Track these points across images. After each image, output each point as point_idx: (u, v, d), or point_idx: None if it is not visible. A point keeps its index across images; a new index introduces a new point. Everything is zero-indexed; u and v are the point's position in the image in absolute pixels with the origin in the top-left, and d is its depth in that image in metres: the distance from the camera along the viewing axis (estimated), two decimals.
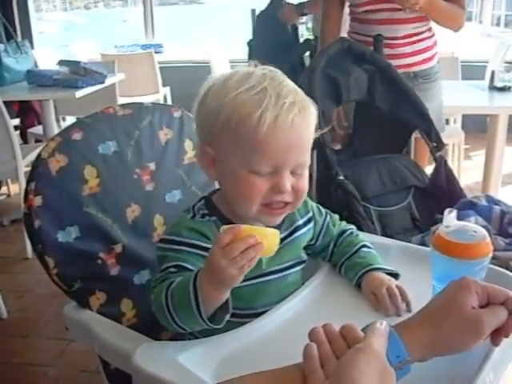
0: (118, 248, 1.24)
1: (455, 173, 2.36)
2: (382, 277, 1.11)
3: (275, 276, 1.11)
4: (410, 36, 2.40)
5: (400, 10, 2.28)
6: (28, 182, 1.14)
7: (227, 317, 0.95)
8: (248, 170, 0.98)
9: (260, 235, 0.87)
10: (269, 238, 0.89)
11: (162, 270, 1.02)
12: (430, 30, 2.45)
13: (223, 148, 1.01)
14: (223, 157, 1.02)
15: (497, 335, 0.82)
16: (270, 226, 1.00)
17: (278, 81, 1.00)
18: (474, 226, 0.98)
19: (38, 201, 1.13)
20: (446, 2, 2.33)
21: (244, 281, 1.04)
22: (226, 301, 0.93)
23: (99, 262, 1.21)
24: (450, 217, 0.97)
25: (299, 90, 1.03)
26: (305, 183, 1.03)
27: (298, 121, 0.97)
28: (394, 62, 2.26)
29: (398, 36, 2.39)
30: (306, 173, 1.03)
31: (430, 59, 2.47)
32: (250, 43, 3.55)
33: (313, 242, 1.21)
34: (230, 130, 0.98)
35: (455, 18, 2.39)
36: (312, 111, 1.01)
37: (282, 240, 1.11)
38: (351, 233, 1.25)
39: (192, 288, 0.90)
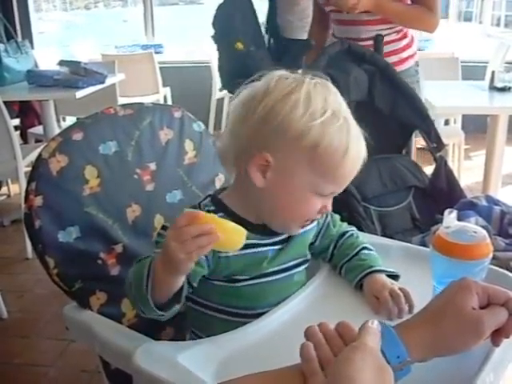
0: (119, 248, 1.24)
1: (455, 173, 2.36)
2: (384, 279, 1.11)
3: (281, 275, 1.11)
4: (373, 39, 2.29)
5: (362, 11, 2.23)
6: (28, 182, 1.15)
7: (176, 307, 0.95)
8: (311, 191, 1.01)
9: (220, 227, 0.85)
10: (229, 233, 0.87)
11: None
12: (398, 32, 2.33)
13: (292, 164, 0.99)
14: (287, 171, 1.00)
15: (497, 336, 0.82)
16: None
17: (344, 105, 1.03)
18: (474, 227, 0.98)
19: (38, 201, 1.13)
20: (404, 4, 2.26)
21: (249, 279, 1.06)
22: (181, 290, 0.94)
23: (99, 262, 1.21)
24: (450, 217, 0.97)
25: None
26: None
27: (361, 148, 1.02)
28: None
29: (362, 38, 2.31)
30: None
31: (399, 63, 2.33)
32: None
33: (313, 240, 1.21)
34: (312, 153, 0.97)
35: (417, 19, 2.28)
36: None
37: (288, 238, 1.12)
38: (352, 234, 1.25)
39: (147, 266, 0.92)
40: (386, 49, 2.28)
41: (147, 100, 4.77)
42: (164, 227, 1.07)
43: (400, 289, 1.07)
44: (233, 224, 0.89)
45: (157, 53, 5.42)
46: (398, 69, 2.28)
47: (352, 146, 0.98)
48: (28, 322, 2.64)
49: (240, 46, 2.47)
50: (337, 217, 1.27)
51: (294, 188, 1.01)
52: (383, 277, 1.12)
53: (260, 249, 1.07)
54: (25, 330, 2.56)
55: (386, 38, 2.28)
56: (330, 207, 1.05)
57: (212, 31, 2.68)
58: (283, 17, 3.05)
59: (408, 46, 2.38)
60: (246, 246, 1.01)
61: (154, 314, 0.96)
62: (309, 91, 0.98)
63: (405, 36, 2.35)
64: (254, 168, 1.01)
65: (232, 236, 0.88)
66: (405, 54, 2.36)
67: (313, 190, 1.01)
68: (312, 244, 1.21)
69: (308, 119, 0.96)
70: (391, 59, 2.27)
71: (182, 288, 0.95)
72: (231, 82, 2.67)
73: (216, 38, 2.68)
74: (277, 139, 0.98)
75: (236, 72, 2.54)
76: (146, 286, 0.91)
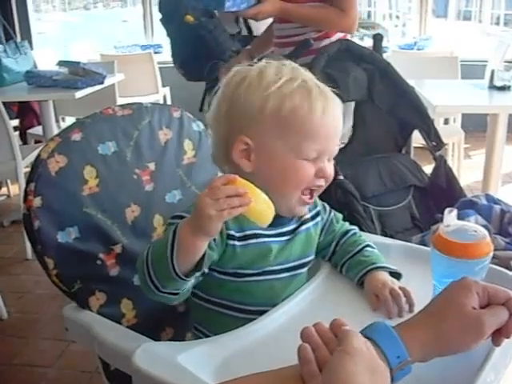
0: (118, 248, 1.23)
1: (455, 172, 2.36)
2: (385, 278, 1.11)
3: (285, 274, 1.12)
4: (293, 36, 2.25)
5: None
6: (27, 183, 1.14)
7: (198, 274, 0.95)
8: (296, 157, 1.02)
9: (253, 193, 0.87)
10: (261, 203, 0.89)
11: None
12: (319, 31, 2.24)
13: (267, 137, 1.03)
14: (266, 146, 1.03)
15: (498, 336, 0.82)
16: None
17: (309, 74, 1.07)
18: (474, 226, 0.98)
19: (37, 201, 1.13)
20: (313, 6, 2.19)
21: (254, 275, 1.06)
22: (203, 257, 0.93)
23: (99, 262, 1.20)
24: (450, 216, 0.97)
25: None
26: (333, 170, 1.08)
27: (338, 112, 1.05)
28: None
29: (283, 35, 2.30)
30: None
31: None
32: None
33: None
34: (278, 119, 1.01)
35: (327, 21, 2.19)
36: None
37: (294, 230, 1.13)
38: (354, 233, 1.25)
39: (171, 234, 0.91)
40: None
41: (146, 100, 4.75)
42: (174, 216, 1.05)
43: (400, 288, 1.07)
44: (265, 196, 0.91)
45: (156, 53, 5.42)
46: None
47: (318, 103, 1.01)
48: (28, 323, 2.63)
49: (190, 18, 2.39)
50: (339, 215, 1.27)
51: (279, 160, 1.03)
52: (385, 275, 1.12)
53: (264, 239, 1.08)
54: (24, 331, 2.56)
55: (308, 36, 2.22)
56: (328, 171, 1.05)
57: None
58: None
59: None
60: (250, 236, 1.01)
61: (172, 286, 0.94)
62: (260, 68, 1.05)
63: (326, 36, 2.25)
64: (237, 155, 1.04)
65: (263, 206, 0.90)
66: None
67: (297, 155, 1.02)
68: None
69: (263, 90, 1.01)
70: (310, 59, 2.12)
71: (203, 255, 0.94)
72: (188, 65, 2.64)
73: (164, 21, 2.60)
74: (246, 120, 1.03)
75: (191, 49, 2.52)
76: (172, 250, 0.90)
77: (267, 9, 2.12)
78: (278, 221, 1.08)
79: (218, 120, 1.08)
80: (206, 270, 1.01)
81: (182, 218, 1.00)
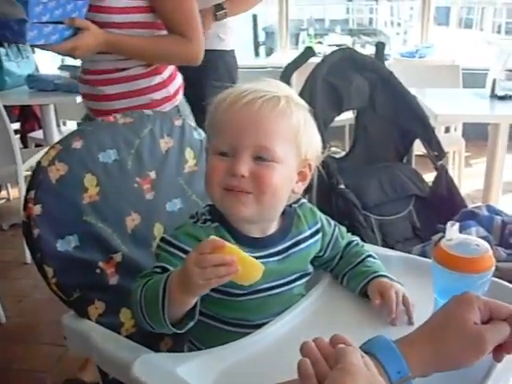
0: (118, 257, 1.23)
1: (456, 180, 2.36)
2: (390, 282, 1.10)
3: (280, 290, 1.10)
4: (112, 72, 1.77)
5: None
6: (27, 191, 1.14)
7: (191, 324, 0.96)
8: (213, 154, 1.03)
9: (240, 259, 0.87)
10: (248, 266, 0.89)
11: (152, 267, 1.04)
12: (146, 66, 1.78)
13: (208, 143, 1.10)
14: (208, 151, 1.08)
15: (499, 351, 0.82)
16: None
17: (268, 81, 1.06)
18: (477, 240, 0.98)
19: (37, 209, 1.12)
20: (148, 37, 1.73)
21: (249, 294, 1.05)
22: (194, 307, 0.95)
23: (98, 271, 1.20)
24: (452, 230, 0.97)
25: (289, 89, 1.08)
26: (271, 176, 1.00)
27: (259, 104, 0.99)
28: (94, 106, 1.83)
29: (98, 70, 1.78)
30: (280, 169, 1.01)
31: (148, 106, 1.73)
32: None
33: (321, 253, 1.19)
34: (207, 124, 1.08)
35: (167, 53, 1.77)
36: (285, 105, 1.02)
37: (288, 249, 1.11)
38: (357, 244, 1.24)
39: (162, 285, 0.93)
40: (130, 87, 1.77)
41: None
42: (163, 239, 1.07)
43: (404, 296, 1.07)
44: (252, 259, 0.90)
45: None
46: None
47: (234, 97, 1.01)
48: (26, 328, 2.63)
49: None
50: (343, 229, 1.25)
51: (207, 160, 1.08)
52: (389, 281, 1.11)
53: None
54: (23, 336, 2.56)
55: (130, 72, 1.76)
56: (237, 168, 0.98)
57: None
58: None
59: (162, 85, 1.81)
60: None
61: (166, 331, 0.97)
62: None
63: (157, 72, 1.80)
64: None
65: (251, 270, 0.90)
66: (157, 96, 1.80)
67: (212, 151, 1.04)
68: (320, 257, 1.20)
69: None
70: (139, 100, 1.77)
71: (195, 305, 0.95)
72: None
73: None
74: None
75: None
76: (163, 307, 0.92)
77: (88, 42, 1.63)
78: (267, 242, 1.08)
79: None
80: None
81: (169, 243, 1.04)
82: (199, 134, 1.42)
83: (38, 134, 4.02)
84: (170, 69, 1.84)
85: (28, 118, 4.24)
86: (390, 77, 2.12)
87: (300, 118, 1.04)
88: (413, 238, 1.99)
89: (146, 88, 1.77)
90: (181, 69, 1.95)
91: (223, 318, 1.07)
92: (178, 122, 1.39)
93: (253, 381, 0.76)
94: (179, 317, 0.96)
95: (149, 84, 1.78)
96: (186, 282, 0.89)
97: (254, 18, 7.82)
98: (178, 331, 0.96)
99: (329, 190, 1.89)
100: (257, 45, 7.92)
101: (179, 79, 1.90)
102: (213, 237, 0.91)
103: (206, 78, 2.43)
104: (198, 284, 0.87)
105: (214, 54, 2.58)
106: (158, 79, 1.79)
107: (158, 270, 1.02)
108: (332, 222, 1.22)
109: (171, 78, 1.84)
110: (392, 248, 1.48)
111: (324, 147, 1.13)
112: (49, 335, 2.54)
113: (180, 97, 1.89)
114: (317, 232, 1.17)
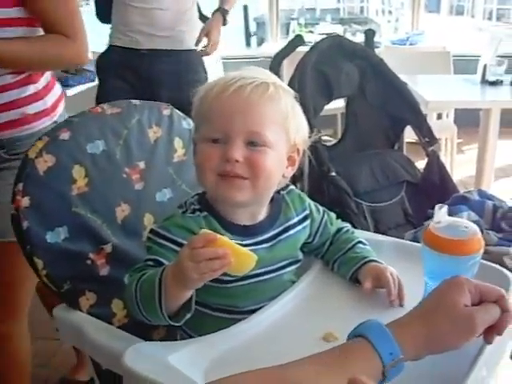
0: (108, 248, 1.22)
1: (448, 167, 2.36)
2: (383, 265, 1.11)
3: (270, 276, 1.10)
4: None
5: None
6: (15, 183, 1.13)
7: (188, 315, 0.97)
8: (204, 141, 1.03)
9: (233, 251, 0.88)
10: (241, 257, 0.90)
11: (144, 260, 1.04)
12: (16, 74, 1.48)
13: (195, 132, 1.11)
14: (194, 140, 1.10)
15: (490, 333, 0.82)
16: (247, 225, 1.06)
17: (253, 69, 1.06)
18: (465, 222, 0.98)
19: (25, 202, 1.12)
20: (27, 39, 1.46)
21: (238, 280, 1.05)
22: (190, 299, 0.95)
23: (89, 262, 1.19)
24: (440, 212, 0.97)
25: (274, 76, 1.09)
26: (264, 160, 1.01)
27: (249, 90, 1.00)
28: None
29: None
30: (272, 153, 1.02)
31: (18, 124, 1.50)
32: None
33: (310, 240, 1.20)
34: (195, 112, 1.08)
35: (47, 55, 1.48)
36: (274, 90, 1.03)
37: (276, 236, 1.11)
38: (347, 230, 1.25)
39: (158, 280, 0.93)
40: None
41: None
42: (152, 231, 1.07)
43: (397, 276, 1.09)
44: (245, 249, 0.91)
45: None
46: (20, 132, 1.51)
47: (223, 85, 1.02)
48: None
49: None
50: (333, 215, 1.26)
51: (196, 148, 1.08)
52: (380, 264, 1.12)
53: None
54: None
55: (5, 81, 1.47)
56: (231, 154, 0.99)
57: None
58: None
59: (37, 96, 1.55)
60: None
61: (163, 323, 0.97)
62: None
63: (30, 81, 1.52)
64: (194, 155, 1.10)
65: (243, 261, 0.91)
66: (31, 110, 1.53)
67: (202, 139, 1.04)
68: (309, 243, 1.21)
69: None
70: (6, 116, 1.48)
71: (191, 297, 0.96)
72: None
73: None
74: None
75: None
76: (160, 302, 0.93)
77: None
78: (256, 229, 1.09)
79: None
80: None
81: (159, 235, 1.05)
82: (188, 124, 1.41)
83: None
84: (47, 77, 1.59)
85: None
86: (379, 64, 2.12)
87: (288, 103, 1.05)
88: (405, 224, 1.99)
89: (17, 100, 1.50)
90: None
91: (213, 304, 1.08)
92: (166, 112, 1.38)
93: (244, 367, 0.76)
94: (176, 309, 0.96)
95: (20, 95, 1.50)
96: (180, 276, 0.89)
97: (245, 8, 7.78)
98: (176, 324, 0.97)
99: (320, 178, 1.89)
100: (248, 35, 7.88)
101: (58, 89, 1.67)
102: (204, 230, 0.91)
103: (186, 81, 2.43)
104: (193, 278, 0.88)
105: (192, 54, 2.60)
106: (31, 89, 1.52)
107: (151, 262, 1.02)
108: (321, 209, 1.23)
109: (48, 88, 1.59)
110: (384, 234, 1.48)
111: (312, 133, 1.13)
112: (43, 330, 2.52)
113: (60, 110, 1.67)
114: (305, 218, 1.17)
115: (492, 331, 0.82)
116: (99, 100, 2.53)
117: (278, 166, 1.05)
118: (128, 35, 2.51)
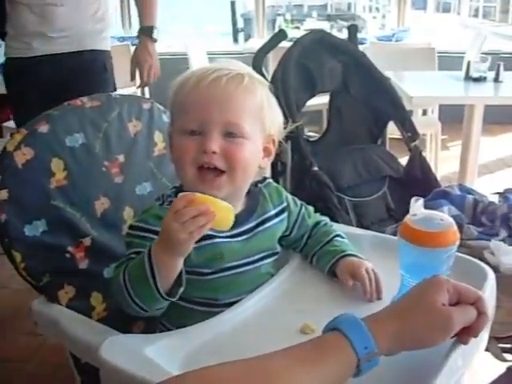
0: (87, 241, 1.22)
1: (432, 163, 2.38)
2: (359, 260, 1.12)
3: (248, 267, 1.11)
4: None
5: None
6: None
7: (181, 290, 0.97)
8: (181, 134, 1.03)
9: (213, 205, 0.90)
10: (222, 211, 0.91)
11: (126, 255, 1.04)
12: None
13: (170, 124, 1.10)
14: (170, 132, 1.09)
15: (465, 334, 0.83)
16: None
17: (229, 61, 1.07)
18: (441, 214, 0.98)
19: (3, 195, 1.12)
20: None
21: (212, 273, 1.05)
22: (180, 274, 0.96)
23: (67, 255, 1.19)
24: (416, 205, 0.97)
25: (249, 68, 1.10)
26: (241, 151, 1.02)
27: (224, 81, 1.01)
28: None
29: None
30: (249, 145, 1.03)
31: None
32: None
33: (287, 233, 1.21)
34: (171, 104, 1.07)
35: None
36: (250, 81, 1.04)
37: (253, 228, 1.12)
38: (325, 224, 1.25)
39: (147, 258, 0.94)
40: None
41: (124, 92, 4.71)
42: (131, 227, 1.07)
43: (372, 270, 1.09)
44: (224, 203, 0.93)
45: (134, 45, 5.35)
46: None
47: (193, 77, 1.02)
48: (4, 318, 2.61)
49: None
50: (311, 208, 1.26)
51: (171, 140, 1.08)
52: (356, 259, 1.13)
53: (218, 240, 1.06)
54: (1, 326, 2.53)
55: None
56: (208, 145, 0.99)
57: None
58: None
59: None
60: (203, 238, 1.00)
61: (158, 305, 0.97)
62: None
63: None
64: (169, 147, 1.12)
65: (225, 214, 0.92)
66: None
67: (178, 131, 1.03)
68: (286, 236, 1.21)
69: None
70: None
71: (181, 272, 0.96)
72: None
73: None
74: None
75: None
76: (153, 275, 0.93)
77: None
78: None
79: None
80: None
81: (138, 228, 1.05)
82: (168, 117, 1.41)
83: (13, 123, 3.97)
84: None
85: (2, 106, 4.19)
86: (362, 59, 2.12)
87: (263, 94, 1.06)
88: (387, 219, 2.00)
89: None
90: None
91: (191, 297, 1.08)
92: (146, 105, 1.38)
93: (221, 360, 0.76)
94: (169, 286, 0.96)
95: None
96: (168, 243, 0.90)
97: (232, 4, 7.76)
98: (172, 299, 0.96)
99: (303, 173, 1.89)
100: (235, 31, 7.85)
101: None
102: (181, 194, 0.92)
103: (94, 83, 2.20)
104: (181, 239, 0.89)
105: (97, 54, 2.32)
106: None
107: (133, 255, 1.02)
108: (298, 202, 1.23)
109: None
110: (367, 229, 1.48)
111: (288, 124, 1.14)
112: (27, 325, 2.50)
113: None
114: (282, 211, 1.18)
115: (468, 333, 0.83)
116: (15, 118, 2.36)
117: (254, 157, 1.06)
118: (23, 41, 2.19)
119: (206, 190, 1.01)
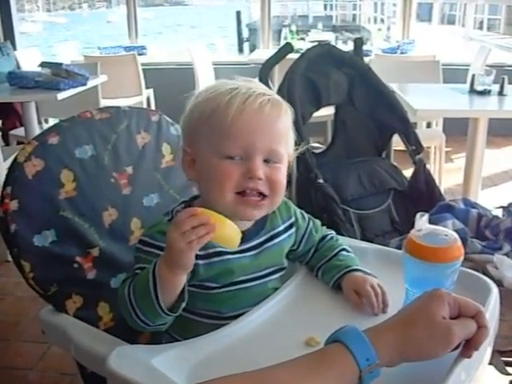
0: (95, 252, 1.23)
1: (436, 175, 2.38)
2: (364, 276, 1.12)
3: (255, 283, 1.12)
4: None
5: None
6: (4, 187, 1.14)
7: (183, 305, 0.98)
8: (220, 157, 1.01)
9: (216, 220, 0.91)
10: (226, 227, 0.92)
11: (133, 269, 1.05)
12: None
13: (199, 143, 1.05)
14: (199, 152, 1.05)
15: (467, 348, 0.84)
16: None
17: (252, 81, 1.06)
18: (446, 230, 0.99)
19: (13, 205, 1.13)
20: None
21: (221, 287, 1.06)
22: (183, 290, 0.97)
23: (76, 265, 1.20)
24: (421, 220, 0.98)
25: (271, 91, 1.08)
26: (281, 176, 1.04)
27: (268, 108, 1.01)
28: None
29: None
30: (283, 169, 1.05)
31: None
32: None
33: (295, 247, 1.21)
34: (203, 123, 1.03)
35: None
36: (285, 107, 1.05)
37: (262, 244, 1.12)
38: (331, 237, 1.26)
39: (151, 274, 0.94)
40: None
41: (130, 102, 4.75)
42: (140, 241, 1.08)
43: (378, 285, 1.09)
44: (230, 221, 0.94)
45: (140, 54, 5.40)
46: None
47: (236, 100, 1.00)
48: (8, 325, 2.61)
49: None
50: (318, 222, 1.27)
51: (207, 163, 1.03)
52: (361, 274, 1.13)
53: (227, 257, 1.07)
54: (5, 333, 2.54)
55: None
56: (256, 171, 1.00)
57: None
58: None
59: None
60: (213, 255, 1.02)
61: (161, 320, 0.98)
62: (222, 82, 1.07)
63: None
64: (184, 165, 1.09)
65: (228, 231, 0.93)
66: None
67: (220, 155, 1.01)
68: (293, 250, 1.21)
69: (194, 99, 1.07)
70: None
71: (183, 288, 0.97)
72: None
73: None
74: (188, 130, 1.08)
75: None
76: (155, 291, 0.94)
77: None
78: (242, 237, 1.09)
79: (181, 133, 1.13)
80: None
81: (146, 243, 1.05)
82: (176, 130, 1.43)
83: (20, 131, 4.00)
84: None
85: (9, 115, 4.22)
86: (368, 72, 2.14)
87: (289, 117, 1.08)
88: (391, 232, 2.00)
89: None
90: None
91: (196, 309, 1.09)
92: (154, 118, 1.40)
93: (228, 371, 0.77)
94: (171, 302, 0.97)
95: None
96: (170, 254, 0.91)
97: (238, 14, 7.80)
98: (174, 315, 0.98)
99: (308, 185, 1.90)
100: (241, 41, 7.89)
101: None
102: (187, 208, 0.93)
103: None
104: (181, 249, 0.89)
105: None
106: None
107: (139, 271, 1.02)
108: (306, 216, 1.24)
109: None
110: (371, 241, 1.49)
111: (300, 143, 1.14)
112: (31, 333, 2.52)
113: None
114: (291, 226, 1.18)
115: (469, 347, 0.84)
116: None
117: (285, 179, 1.07)
118: None
119: (246, 213, 1.04)
